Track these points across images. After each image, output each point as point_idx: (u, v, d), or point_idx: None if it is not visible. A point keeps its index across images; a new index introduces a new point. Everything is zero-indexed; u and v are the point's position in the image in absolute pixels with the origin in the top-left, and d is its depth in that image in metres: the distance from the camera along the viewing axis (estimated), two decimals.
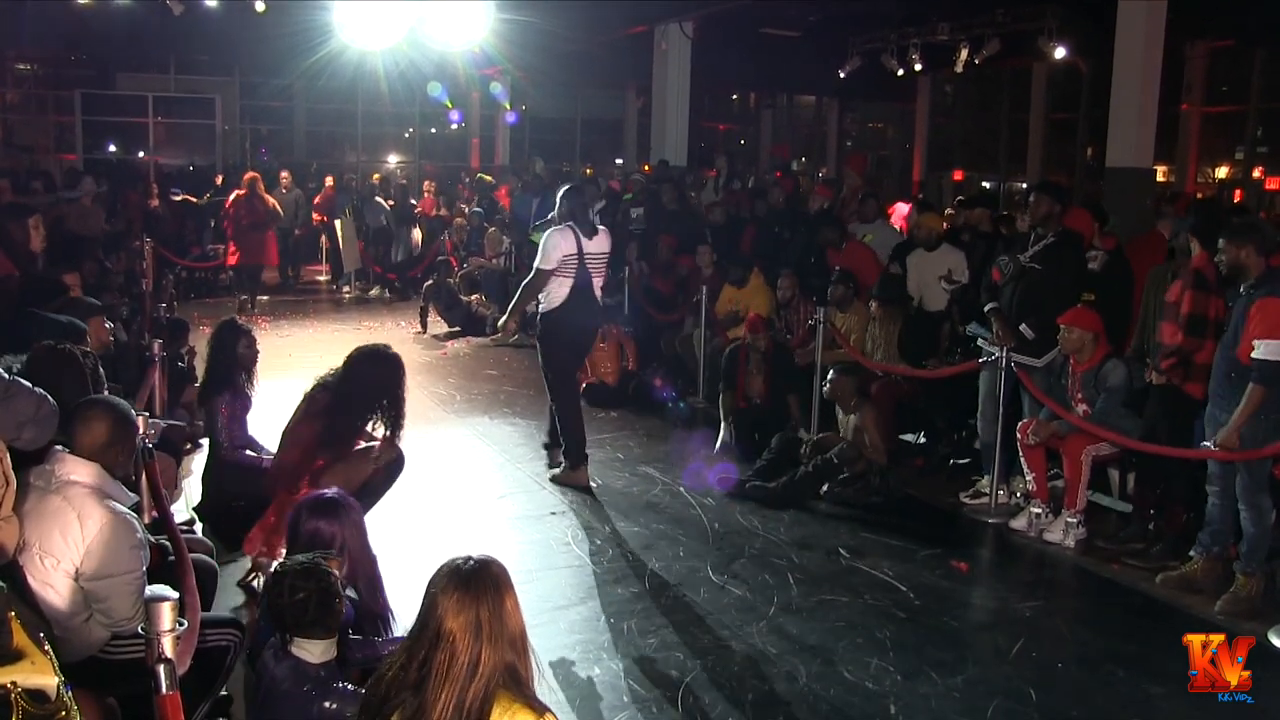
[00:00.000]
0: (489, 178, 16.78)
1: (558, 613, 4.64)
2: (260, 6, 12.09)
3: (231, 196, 13.18)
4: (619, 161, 21.20)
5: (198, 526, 5.01)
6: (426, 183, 17.18)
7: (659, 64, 13.53)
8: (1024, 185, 16.68)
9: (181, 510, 5.19)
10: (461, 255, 13.25)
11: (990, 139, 19.06)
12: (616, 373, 8.71)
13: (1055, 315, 5.69)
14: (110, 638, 3.16)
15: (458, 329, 11.64)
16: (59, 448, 3.20)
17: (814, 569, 5.24)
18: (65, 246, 8.94)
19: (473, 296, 11.90)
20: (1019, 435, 5.82)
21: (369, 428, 4.74)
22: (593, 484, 6.41)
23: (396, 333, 11.40)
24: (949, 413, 6.97)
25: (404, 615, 3.34)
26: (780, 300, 8.12)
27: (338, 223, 14.53)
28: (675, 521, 5.87)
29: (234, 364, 5.45)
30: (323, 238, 15.51)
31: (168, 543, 3.64)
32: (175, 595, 2.40)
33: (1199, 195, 14.06)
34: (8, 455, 2.79)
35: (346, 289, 14.73)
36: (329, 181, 15.75)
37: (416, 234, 14.66)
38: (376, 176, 17.07)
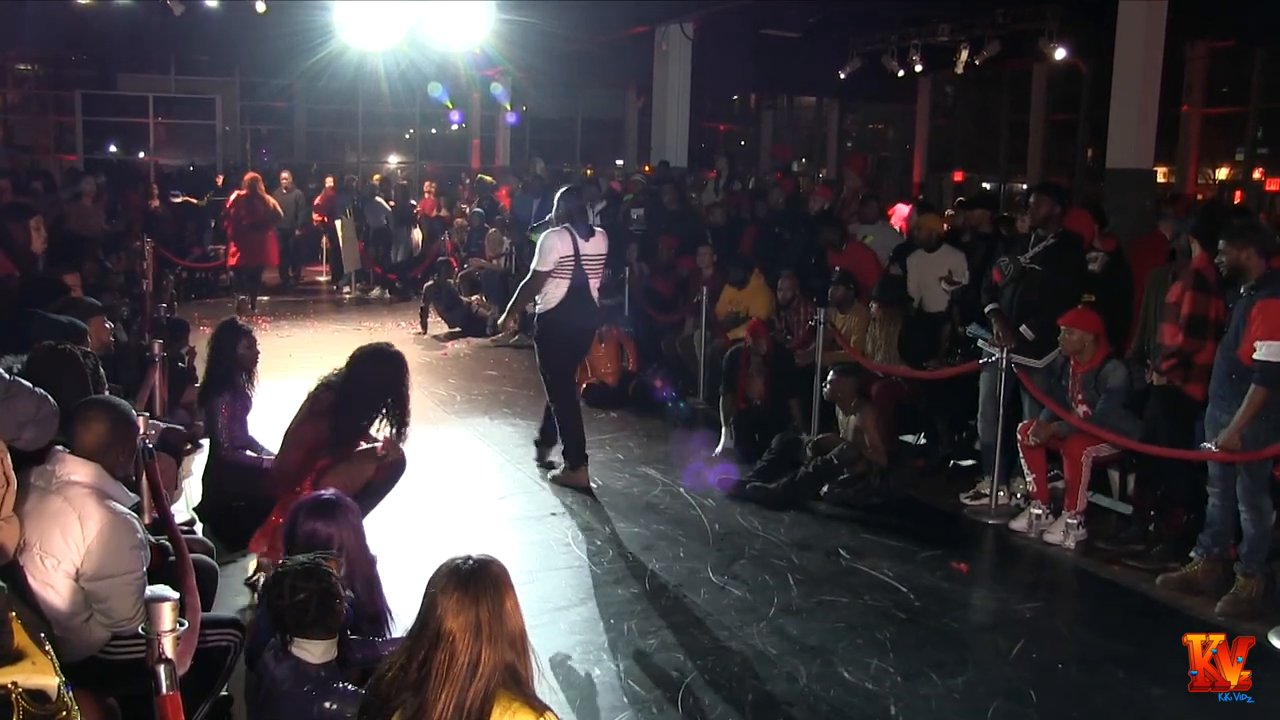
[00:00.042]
0: (489, 178, 16.79)
1: (558, 613, 4.64)
2: (261, 7, 12.09)
3: (232, 197, 13.19)
4: (619, 162, 21.19)
5: (198, 527, 5.01)
6: (427, 183, 17.19)
7: (659, 65, 13.53)
8: (1024, 186, 16.67)
9: (182, 510, 5.19)
10: (462, 256, 13.26)
11: (991, 140, 19.06)
12: (617, 373, 8.71)
13: (1055, 316, 5.69)
14: (111, 638, 3.16)
15: (458, 330, 11.65)
16: (59, 448, 3.20)
17: (814, 570, 5.24)
18: (66, 247, 8.94)
19: (473, 297, 11.91)
20: (1019, 436, 5.82)
21: (374, 428, 4.74)
22: (593, 484, 6.41)
23: (397, 333, 11.40)
24: (949, 414, 6.96)
25: (404, 615, 3.34)
26: (781, 301, 8.11)
27: (338, 223, 14.53)
28: (675, 522, 5.87)
29: (234, 364, 5.45)
30: (323, 238, 15.52)
31: (168, 543, 3.64)
32: (176, 595, 2.41)
33: (1199, 197, 14.08)
34: (8, 455, 2.80)
35: (347, 289, 14.73)
36: (329, 182, 15.75)
37: (417, 235, 14.67)
38: (377, 177, 17.09)
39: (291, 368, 8.22)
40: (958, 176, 19.53)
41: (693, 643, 4.40)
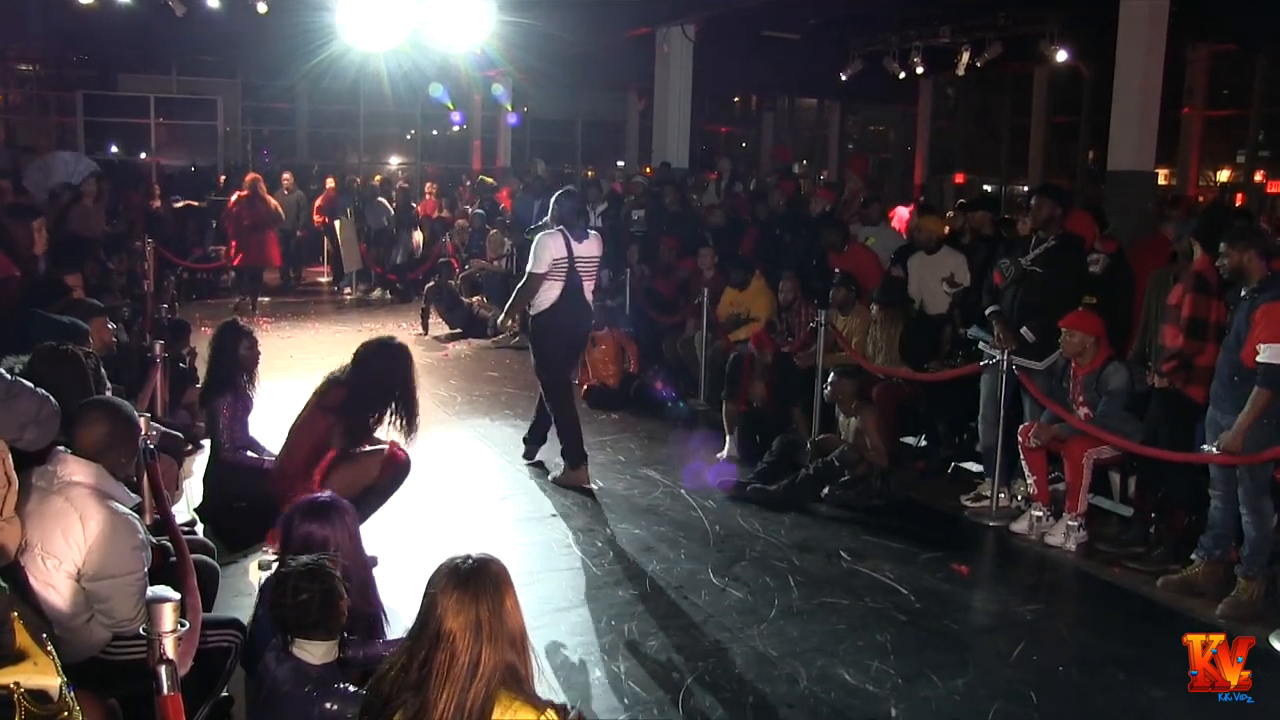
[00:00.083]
0: (490, 179, 16.79)
1: (558, 614, 4.64)
2: (263, 8, 12.09)
3: (233, 198, 13.20)
4: (620, 164, 21.20)
5: (199, 527, 5.01)
6: (428, 184, 17.19)
7: (661, 66, 13.53)
8: (1025, 188, 16.68)
9: (183, 511, 5.19)
10: (463, 257, 13.26)
11: (992, 142, 19.07)
12: (618, 375, 8.71)
13: (1056, 318, 5.69)
14: (112, 638, 3.16)
15: (459, 331, 11.66)
16: (61, 449, 3.20)
17: (815, 571, 5.24)
18: (67, 247, 8.94)
19: (474, 298, 11.91)
20: (1020, 438, 5.82)
21: (384, 425, 4.74)
22: (594, 486, 6.41)
23: (398, 334, 11.33)
24: (950, 416, 6.96)
25: (405, 615, 3.34)
26: (782, 303, 8.12)
27: (337, 224, 14.54)
28: (676, 524, 5.87)
29: (235, 365, 5.45)
30: (324, 239, 15.52)
31: (169, 544, 3.65)
32: (177, 596, 2.41)
33: (1200, 199, 14.08)
34: (9, 456, 2.80)
35: (348, 291, 14.73)
36: (330, 183, 15.76)
37: (417, 236, 14.67)
38: (378, 178, 17.10)
39: (292, 369, 8.23)
40: (959, 178, 19.55)
41: (693, 644, 4.40)
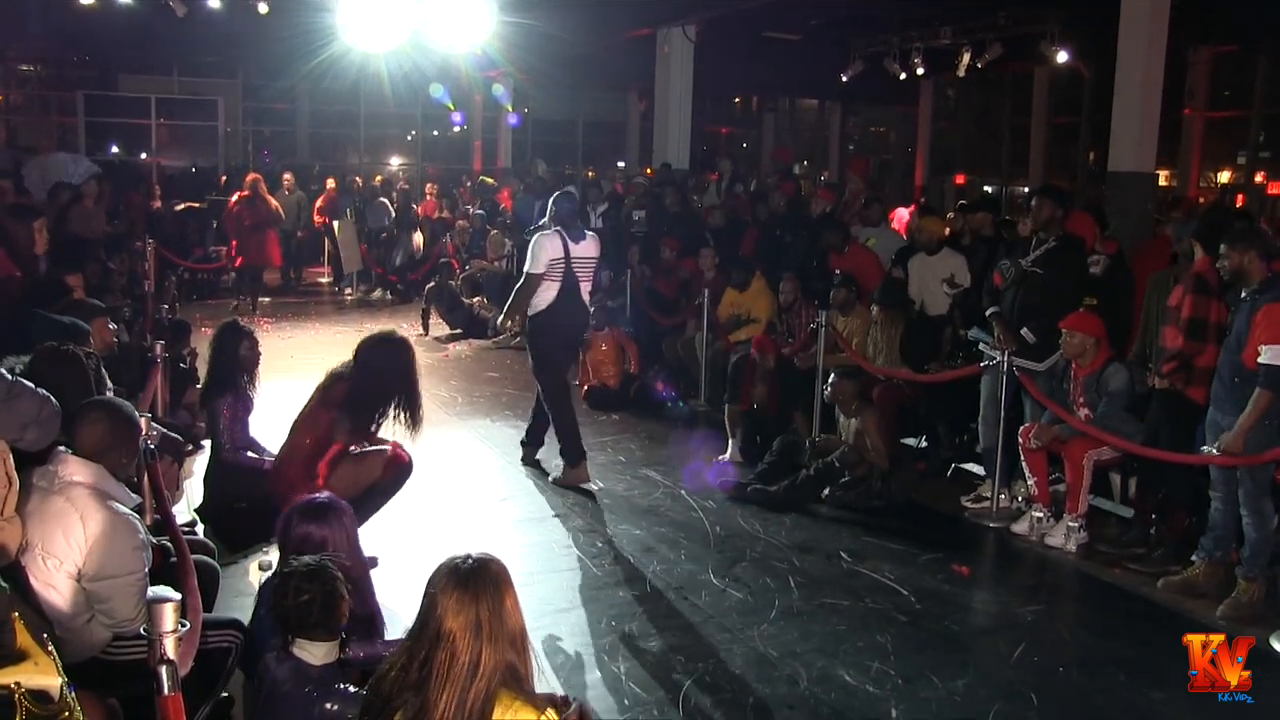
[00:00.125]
0: (491, 180, 16.79)
1: (559, 615, 4.64)
2: (263, 9, 12.09)
3: (234, 198, 13.20)
4: (621, 164, 21.20)
5: (199, 528, 5.02)
6: (429, 185, 17.19)
7: (661, 67, 13.53)
8: (1026, 189, 16.67)
9: (183, 511, 5.19)
10: (464, 258, 13.26)
11: (992, 143, 19.07)
12: (618, 376, 8.71)
13: (1057, 319, 5.69)
14: (112, 639, 3.16)
15: (459, 331, 11.66)
16: (62, 449, 3.21)
17: (815, 572, 5.24)
18: (67, 248, 8.94)
19: (475, 299, 11.91)
20: (1020, 439, 5.82)
21: (388, 419, 4.74)
22: (594, 486, 6.42)
23: None
24: (950, 417, 6.96)
25: (405, 615, 3.35)
26: (782, 304, 8.12)
27: (335, 225, 14.54)
28: (677, 525, 5.87)
29: (236, 366, 5.46)
30: (325, 240, 15.53)
31: (170, 544, 3.65)
32: (177, 596, 2.41)
33: (1201, 200, 14.09)
34: (10, 456, 2.80)
35: (348, 291, 14.73)
36: (331, 183, 15.76)
37: (417, 237, 14.68)
38: (379, 179, 17.09)
39: (293, 369, 8.22)
40: (959, 179, 19.54)
41: (693, 645, 4.40)
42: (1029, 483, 5.90)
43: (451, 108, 18.97)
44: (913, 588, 5.05)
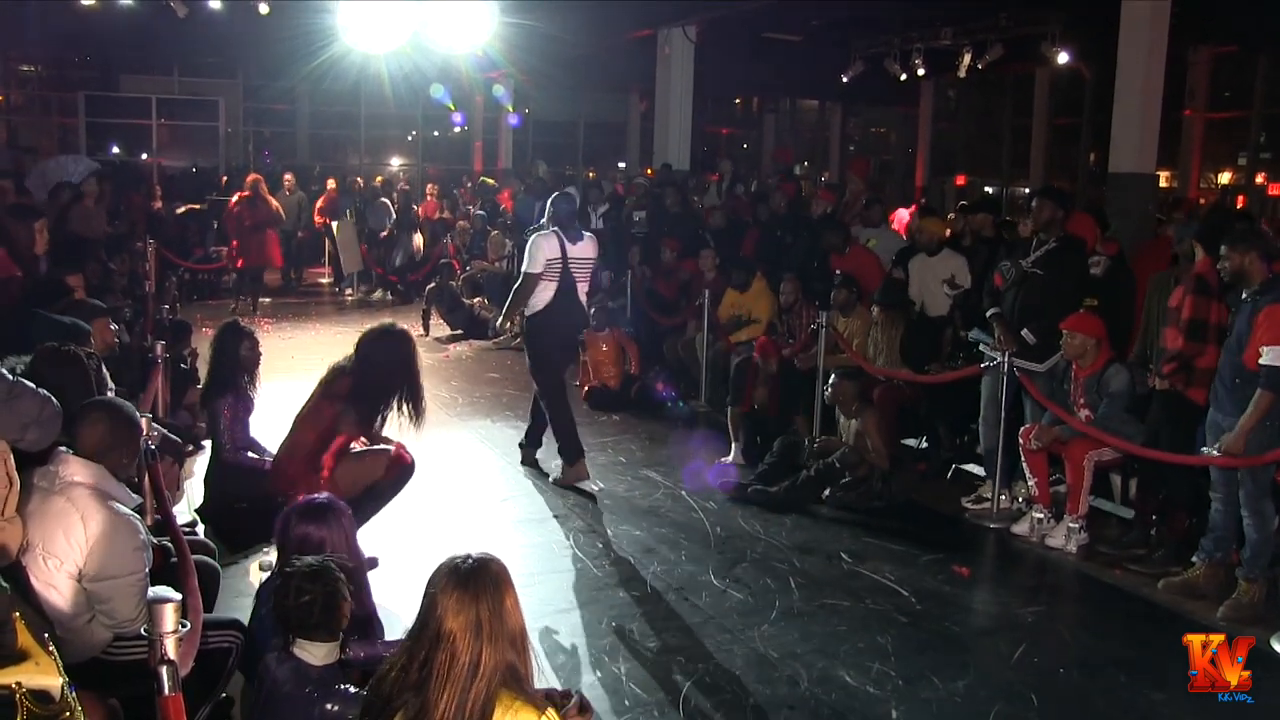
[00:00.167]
0: (492, 181, 16.80)
1: (559, 616, 4.64)
2: (264, 9, 12.09)
3: (235, 198, 13.21)
4: (622, 165, 21.21)
5: (200, 528, 5.02)
6: (429, 186, 17.20)
7: (662, 68, 13.53)
8: (1027, 190, 16.68)
9: (184, 512, 5.20)
10: (464, 258, 13.27)
11: (993, 144, 19.07)
12: (619, 376, 8.71)
13: (1057, 320, 5.69)
14: (113, 639, 3.16)
15: (460, 332, 11.66)
16: (62, 449, 3.21)
17: (815, 573, 5.24)
18: (68, 248, 8.94)
19: (475, 300, 11.91)
20: (1021, 440, 5.81)
21: (392, 411, 4.74)
22: (595, 487, 6.42)
23: None
24: (951, 418, 6.96)
25: (405, 615, 3.34)
26: (783, 305, 8.11)
27: (334, 225, 14.54)
28: (677, 525, 5.87)
29: (236, 366, 5.46)
30: (326, 240, 15.53)
31: (170, 544, 3.65)
32: (178, 597, 2.41)
33: (1202, 201, 14.08)
34: (11, 456, 2.80)
35: (349, 292, 14.73)
36: (331, 184, 15.76)
37: (418, 238, 14.68)
38: (380, 179, 17.09)
39: (294, 369, 8.23)
40: (960, 180, 19.54)
41: (694, 646, 4.40)
42: (1029, 484, 5.90)
43: (452, 108, 18.97)
44: (913, 589, 5.05)
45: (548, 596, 4.82)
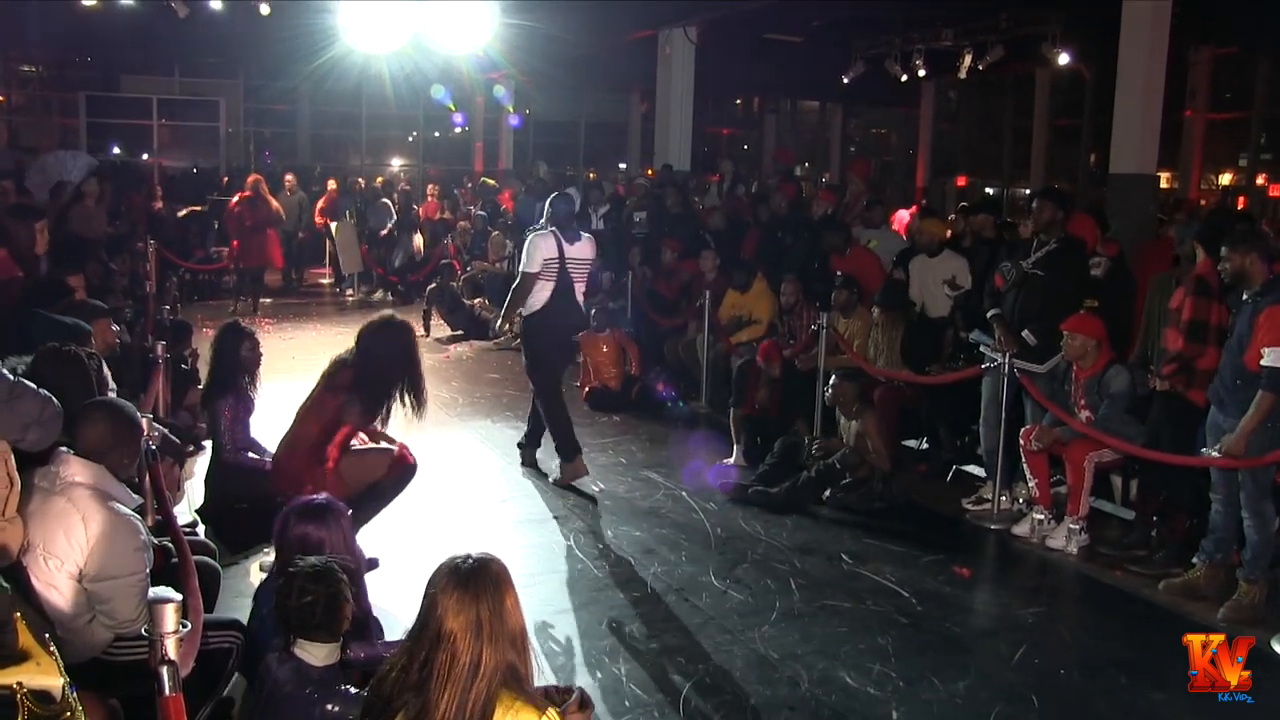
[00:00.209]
0: (492, 181, 16.80)
1: (559, 616, 4.64)
2: (265, 10, 12.10)
3: (235, 199, 13.22)
4: (622, 166, 21.21)
5: (200, 529, 5.02)
6: (430, 186, 17.20)
7: (663, 68, 13.54)
8: (1027, 191, 16.67)
9: (184, 512, 5.20)
10: (465, 259, 13.27)
11: (994, 145, 19.07)
12: (619, 377, 8.71)
13: (1058, 321, 5.69)
14: (113, 639, 3.16)
15: (460, 332, 11.67)
16: (63, 449, 3.21)
17: (816, 574, 5.24)
18: (68, 248, 8.95)
19: (476, 300, 11.91)
20: (1022, 441, 5.81)
21: (395, 403, 4.74)
22: (595, 488, 6.42)
23: None
24: (951, 419, 6.96)
25: (405, 616, 3.34)
26: (783, 305, 8.11)
27: (333, 225, 14.54)
28: (677, 526, 5.87)
29: (237, 367, 5.46)
30: (326, 241, 15.53)
31: (171, 545, 3.65)
32: (178, 597, 2.41)
33: (1202, 202, 14.08)
34: (12, 456, 2.80)
35: (349, 292, 14.73)
36: (332, 184, 15.76)
37: (418, 238, 14.68)
38: (380, 180, 17.09)
39: (294, 370, 8.22)
40: (961, 181, 19.54)
41: (694, 647, 4.40)
42: (1030, 485, 5.90)
43: (453, 109, 18.98)
44: (914, 590, 5.05)
45: (548, 597, 4.82)
